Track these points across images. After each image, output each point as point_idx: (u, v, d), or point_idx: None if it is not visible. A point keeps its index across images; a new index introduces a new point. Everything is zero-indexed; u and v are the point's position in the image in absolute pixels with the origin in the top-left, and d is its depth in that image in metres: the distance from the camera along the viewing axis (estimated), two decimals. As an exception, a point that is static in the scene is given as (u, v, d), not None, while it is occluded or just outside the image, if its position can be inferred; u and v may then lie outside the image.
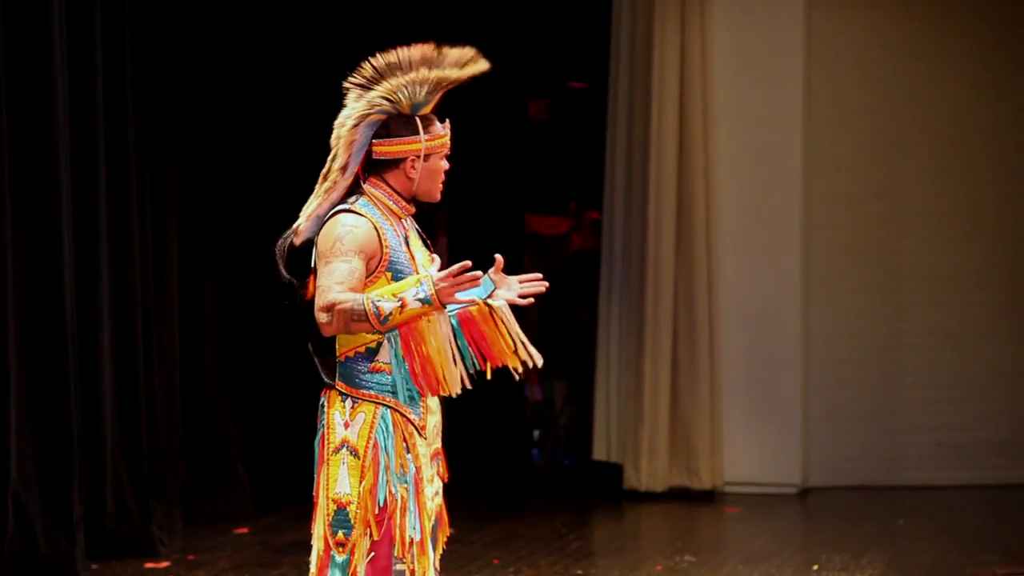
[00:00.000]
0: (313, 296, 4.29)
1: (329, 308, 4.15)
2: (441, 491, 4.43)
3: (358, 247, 4.21)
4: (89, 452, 7.67)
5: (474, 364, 4.32)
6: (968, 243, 10.67)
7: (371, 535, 4.23)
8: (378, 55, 4.32)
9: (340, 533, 4.25)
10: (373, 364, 4.26)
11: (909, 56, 10.64)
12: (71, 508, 7.35)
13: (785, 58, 10.32)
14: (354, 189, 4.34)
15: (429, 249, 4.44)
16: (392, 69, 4.30)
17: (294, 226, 4.35)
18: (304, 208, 4.36)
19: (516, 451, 11.64)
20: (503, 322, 4.34)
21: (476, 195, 11.79)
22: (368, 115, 4.30)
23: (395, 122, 4.31)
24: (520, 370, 4.35)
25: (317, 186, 4.36)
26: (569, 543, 8.66)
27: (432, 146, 4.33)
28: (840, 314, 10.60)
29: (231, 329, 9.24)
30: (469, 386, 4.30)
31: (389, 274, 4.26)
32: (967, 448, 10.57)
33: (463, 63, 4.34)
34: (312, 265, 4.32)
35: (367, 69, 4.31)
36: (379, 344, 4.25)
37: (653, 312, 10.14)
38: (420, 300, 4.14)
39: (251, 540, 8.48)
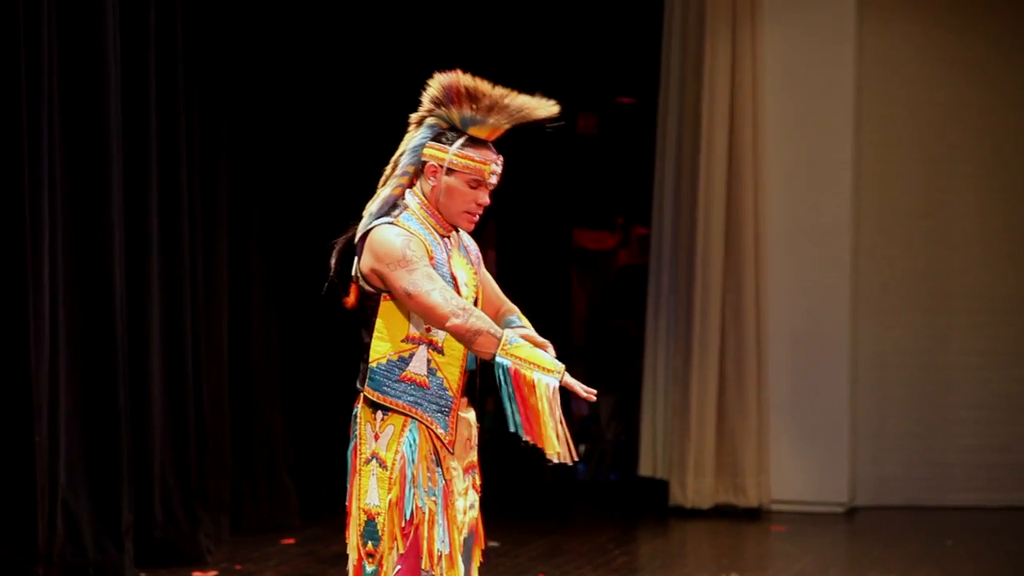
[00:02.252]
0: (356, 304, 4.29)
1: (466, 313, 4.09)
2: (477, 504, 4.40)
3: (423, 253, 4.19)
4: (138, 460, 7.72)
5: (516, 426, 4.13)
6: (1016, 262, 10.61)
7: (397, 548, 4.24)
8: (461, 75, 4.26)
9: (370, 544, 4.25)
10: (403, 373, 4.23)
11: (960, 74, 10.60)
12: (120, 515, 7.39)
13: (835, 74, 10.29)
14: (401, 199, 4.30)
15: (473, 266, 4.41)
16: (465, 87, 4.24)
17: (356, 225, 4.33)
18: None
19: (561, 466, 11.61)
20: (544, 399, 4.10)
21: (524, 209, 11.81)
22: (430, 113, 4.29)
23: (447, 132, 4.28)
24: (556, 459, 4.12)
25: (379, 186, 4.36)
26: (614, 559, 8.64)
27: (458, 163, 4.23)
28: (888, 332, 10.55)
29: (279, 339, 9.27)
30: (575, 459, 4.16)
31: None
32: (1015, 468, 10.50)
33: (537, 103, 4.26)
34: (353, 273, 4.30)
35: (439, 82, 4.26)
36: (412, 354, 4.23)
37: (701, 328, 10.12)
38: (554, 372, 4.08)
39: (298, 550, 8.50)
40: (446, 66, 4.31)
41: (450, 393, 4.27)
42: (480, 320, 4.11)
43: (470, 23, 10.57)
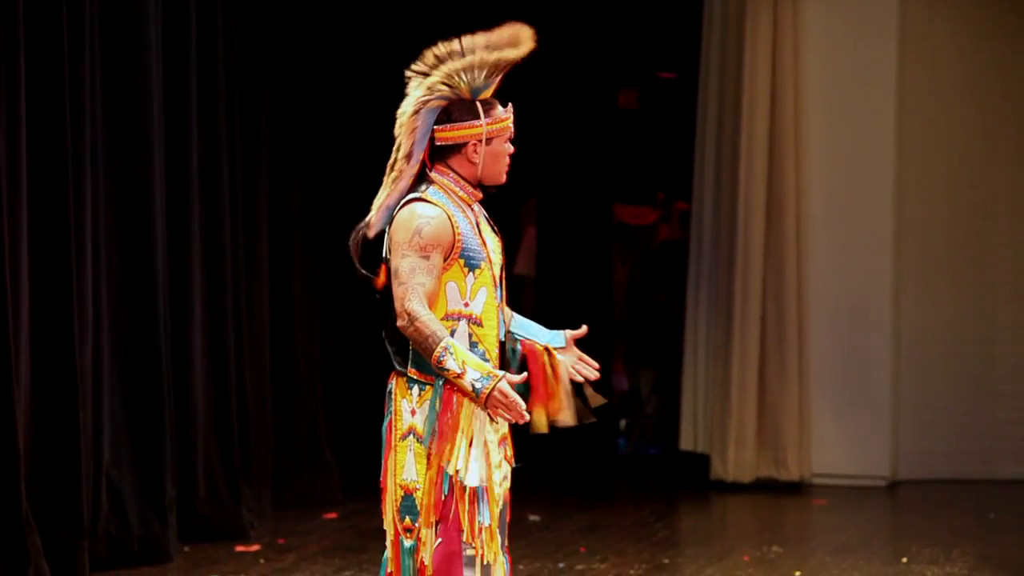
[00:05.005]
0: (386, 283, 4.32)
1: (410, 319, 4.18)
2: (509, 476, 4.44)
3: (436, 241, 4.24)
4: (181, 436, 7.78)
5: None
6: (1063, 236, 10.56)
7: (438, 521, 4.27)
8: (438, 43, 4.34)
9: (407, 519, 4.31)
10: None
11: (1004, 46, 10.52)
12: (163, 491, 7.45)
13: (878, 48, 10.23)
14: (422, 177, 4.36)
15: (498, 235, 4.46)
16: (451, 55, 4.31)
17: (365, 219, 4.38)
18: (375, 200, 4.39)
19: (602, 440, 11.65)
20: (554, 371, 4.43)
21: (565, 185, 11.81)
22: (428, 101, 4.32)
23: (456, 108, 4.33)
24: (546, 428, 4.40)
25: (385, 177, 4.38)
26: (655, 532, 8.66)
27: (494, 130, 4.34)
28: (931, 306, 10.51)
29: (320, 315, 9.32)
30: (481, 483, 4.28)
31: (461, 261, 4.29)
32: (1060, 442, 10.46)
33: (517, 42, 4.35)
34: (384, 255, 4.34)
35: (427, 56, 4.33)
36: (453, 331, 4.27)
37: (741, 303, 10.11)
38: (473, 387, 4.16)
39: (340, 525, 8.55)
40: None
41: (492, 364, 4.32)
42: (423, 327, 4.16)
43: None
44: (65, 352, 6.78)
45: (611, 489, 10.77)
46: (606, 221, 12.25)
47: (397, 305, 4.21)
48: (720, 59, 10.28)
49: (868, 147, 10.25)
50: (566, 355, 4.49)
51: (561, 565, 7.46)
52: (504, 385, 4.16)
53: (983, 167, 10.54)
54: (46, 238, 6.72)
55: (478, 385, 4.15)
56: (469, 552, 4.27)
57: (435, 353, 4.16)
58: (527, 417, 4.22)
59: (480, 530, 4.27)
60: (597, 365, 4.52)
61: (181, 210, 7.85)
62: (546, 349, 4.47)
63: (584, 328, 4.51)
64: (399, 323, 4.21)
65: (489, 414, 4.24)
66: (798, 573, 7.38)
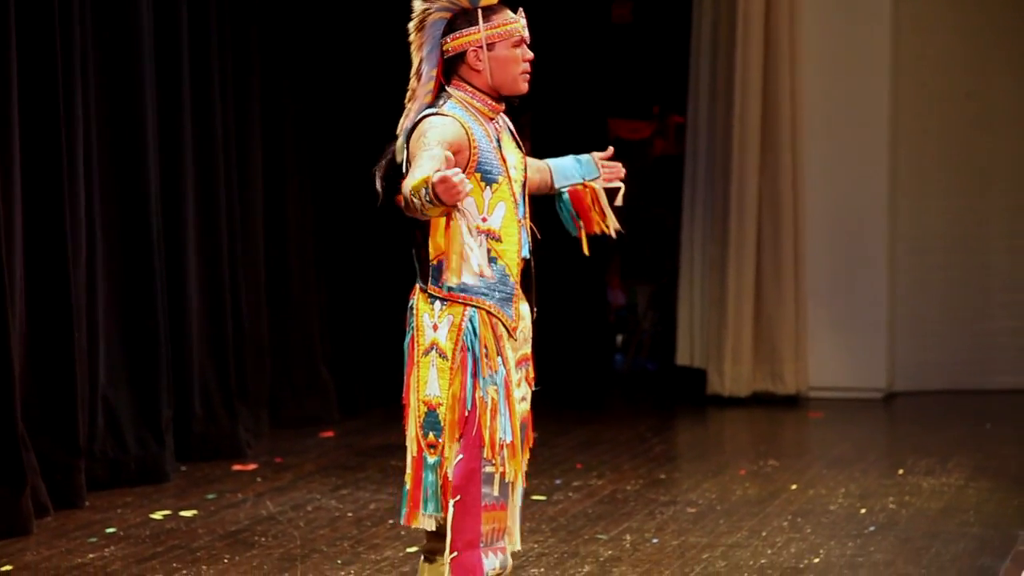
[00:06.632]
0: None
1: (403, 197, 4.11)
2: (529, 397, 4.43)
3: (443, 137, 4.17)
4: (177, 356, 7.77)
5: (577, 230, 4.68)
6: (1059, 145, 10.51)
7: (460, 436, 4.26)
8: None
9: (431, 435, 4.30)
10: None
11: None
12: (160, 411, 7.46)
13: (872, -45, 10.16)
14: (441, 94, 4.33)
15: (522, 150, 4.43)
16: None
17: (393, 145, 4.35)
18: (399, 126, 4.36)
19: (599, 356, 11.67)
20: (597, 200, 4.66)
21: (559, 99, 11.74)
22: (428, 14, 4.29)
23: (458, 18, 4.29)
24: (613, 235, 4.69)
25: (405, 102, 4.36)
26: (652, 447, 8.68)
27: (494, 35, 4.28)
28: (927, 217, 10.48)
29: (316, 233, 9.29)
30: (479, 272, 4.21)
31: (478, 175, 4.26)
32: (1056, 351, 10.47)
33: None
34: (404, 170, 4.30)
35: None
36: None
37: (737, 216, 10.08)
38: (425, 193, 3.92)
39: (337, 443, 8.56)
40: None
41: (512, 279, 4.32)
42: (405, 193, 4.01)
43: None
44: (59, 273, 6.76)
45: (608, 404, 10.79)
46: (601, 136, 12.19)
47: (401, 197, 4.15)
48: (714, -30, 10.19)
49: (863, 57, 10.18)
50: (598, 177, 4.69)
51: (558, 481, 7.48)
52: (437, 175, 3.89)
53: (978, 74, 10.48)
54: (39, 157, 6.68)
55: (423, 191, 3.92)
56: (488, 469, 4.26)
57: (410, 205, 3.99)
58: (462, 177, 3.90)
59: (501, 446, 4.26)
60: (619, 165, 4.74)
61: (173, 127, 7.80)
62: (584, 185, 4.65)
63: (610, 149, 4.77)
64: (402, 206, 4.14)
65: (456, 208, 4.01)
66: (795, 486, 7.40)
